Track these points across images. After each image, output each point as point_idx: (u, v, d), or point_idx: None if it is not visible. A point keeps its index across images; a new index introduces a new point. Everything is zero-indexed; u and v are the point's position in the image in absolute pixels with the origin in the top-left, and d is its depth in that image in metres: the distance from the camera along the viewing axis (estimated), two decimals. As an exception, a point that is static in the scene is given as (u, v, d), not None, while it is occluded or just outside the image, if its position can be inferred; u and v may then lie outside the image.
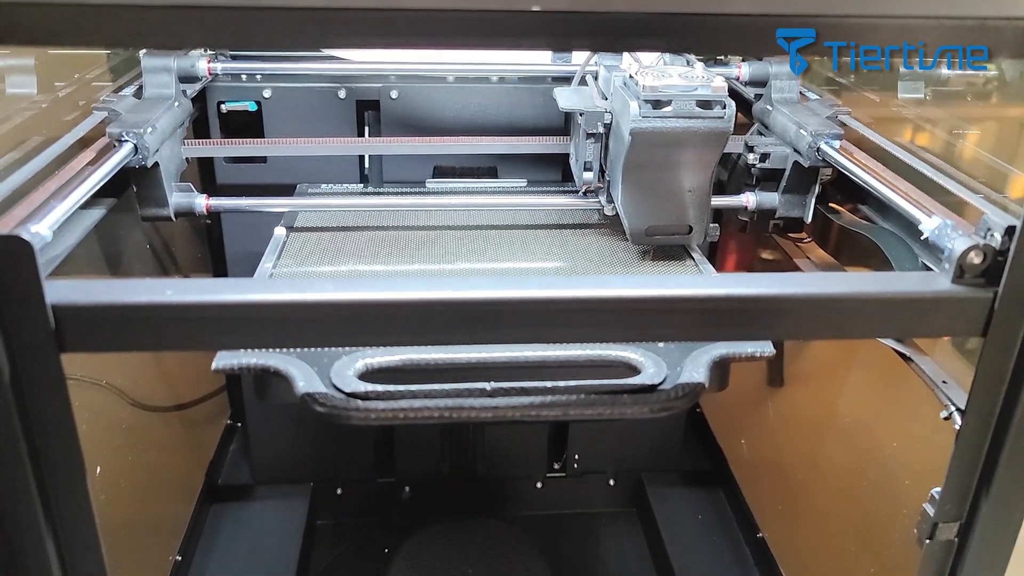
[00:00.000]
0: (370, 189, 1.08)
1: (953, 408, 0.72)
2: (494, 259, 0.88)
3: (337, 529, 1.33)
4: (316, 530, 1.32)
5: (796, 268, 0.97)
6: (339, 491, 1.31)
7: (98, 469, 0.87)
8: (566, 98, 0.90)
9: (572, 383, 0.62)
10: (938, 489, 0.69)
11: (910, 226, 0.73)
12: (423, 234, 0.94)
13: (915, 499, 0.81)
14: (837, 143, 0.83)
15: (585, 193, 0.94)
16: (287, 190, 1.09)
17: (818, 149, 0.84)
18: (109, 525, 0.91)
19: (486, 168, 1.10)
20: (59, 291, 0.53)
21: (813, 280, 0.59)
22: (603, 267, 0.87)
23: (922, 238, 0.66)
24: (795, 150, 0.88)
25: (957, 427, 0.72)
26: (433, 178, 1.10)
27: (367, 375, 0.65)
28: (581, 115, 0.88)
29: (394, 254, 0.89)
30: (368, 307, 0.56)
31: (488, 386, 0.61)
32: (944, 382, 0.74)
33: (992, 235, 0.60)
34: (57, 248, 0.70)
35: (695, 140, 0.79)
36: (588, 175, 0.90)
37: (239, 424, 1.40)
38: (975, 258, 0.59)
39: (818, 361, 1.06)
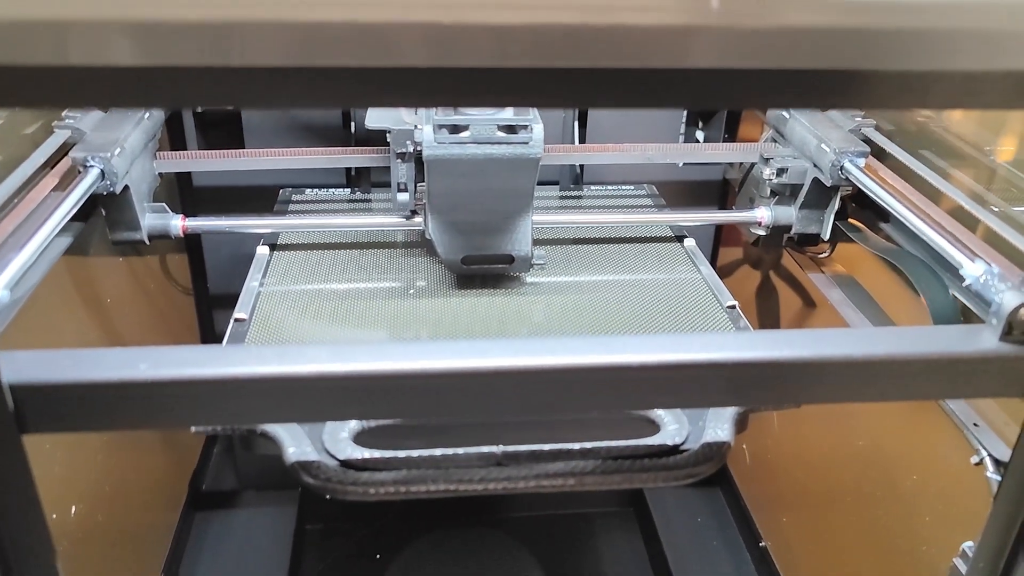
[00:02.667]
0: (357, 195, 1.02)
1: (985, 454, 0.68)
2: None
3: (327, 534, 1.29)
4: (306, 535, 1.28)
5: (809, 284, 0.92)
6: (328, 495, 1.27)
7: (73, 509, 0.82)
8: (375, 115, 0.83)
9: (588, 445, 0.57)
10: (970, 544, 0.65)
11: (937, 254, 0.69)
12: (413, 252, 0.88)
13: (936, 535, 0.78)
14: (862, 161, 0.78)
15: (413, 213, 0.87)
16: (269, 193, 1.02)
17: (841, 167, 0.78)
18: (89, 540, 0.87)
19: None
20: (18, 368, 0.47)
21: (849, 341, 0.54)
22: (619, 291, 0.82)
23: (964, 284, 0.61)
24: (815, 165, 0.82)
25: (989, 473, 0.69)
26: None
27: (363, 435, 0.59)
28: (389, 134, 0.81)
29: (383, 274, 0.84)
30: (365, 380, 0.50)
31: (498, 450, 0.57)
32: (975, 424, 0.70)
33: (1042, 286, 0.55)
34: (17, 292, 0.64)
35: (500, 167, 0.73)
36: (403, 197, 0.84)
37: (223, 427, 1.35)
38: (1026, 314, 0.54)
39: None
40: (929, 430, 0.77)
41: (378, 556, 1.24)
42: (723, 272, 1.20)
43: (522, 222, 0.78)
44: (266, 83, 0.41)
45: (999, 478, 0.67)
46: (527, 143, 0.72)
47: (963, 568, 0.65)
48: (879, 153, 0.83)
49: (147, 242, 0.80)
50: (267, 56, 0.40)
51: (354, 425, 0.61)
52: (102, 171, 0.71)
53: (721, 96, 0.44)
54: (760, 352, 0.53)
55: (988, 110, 0.77)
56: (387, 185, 1.04)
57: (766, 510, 1.17)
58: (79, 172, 0.71)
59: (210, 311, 1.21)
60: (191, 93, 0.42)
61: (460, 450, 0.57)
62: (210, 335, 1.23)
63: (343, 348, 0.51)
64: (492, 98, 0.42)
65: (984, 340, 0.55)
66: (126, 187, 0.75)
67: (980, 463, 0.69)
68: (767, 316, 1.10)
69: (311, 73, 0.41)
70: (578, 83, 0.42)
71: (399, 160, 0.80)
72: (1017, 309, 0.54)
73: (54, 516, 0.79)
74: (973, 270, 0.60)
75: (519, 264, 0.80)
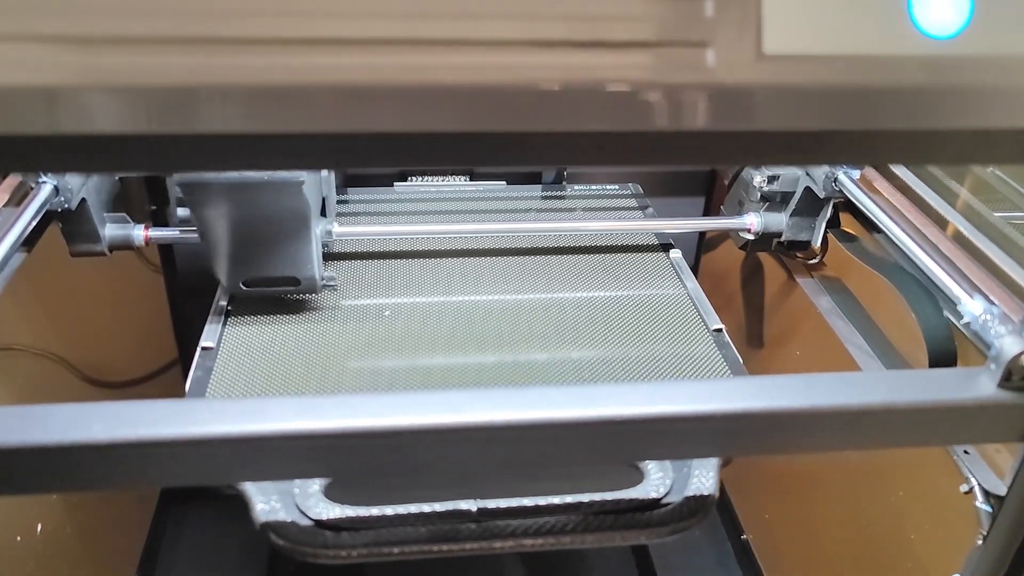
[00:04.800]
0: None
1: (975, 483, 0.66)
2: (461, 291, 0.81)
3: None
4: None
5: (797, 289, 0.90)
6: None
7: (39, 527, 0.79)
8: None
9: (567, 499, 0.55)
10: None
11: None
12: (391, 263, 0.85)
13: (921, 554, 0.77)
14: (856, 173, 0.75)
15: None
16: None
17: (835, 179, 0.75)
18: (59, 555, 0.85)
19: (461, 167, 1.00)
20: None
21: (843, 388, 0.52)
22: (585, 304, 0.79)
23: (962, 322, 0.59)
24: (807, 174, 0.79)
25: (978, 503, 0.67)
26: (401, 179, 0.99)
27: (333, 487, 0.57)
28: None
29: (359, 289, 0.81)
30: (334, 438, 0.48)
31: (473, 507, 0.54)
32: (966, 452, 0.68)
33: (1043, 329, 0.53)
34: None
35: (258, 192, 0.68)
36: (183, 211, 0.78)
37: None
38: (1026, 360, 0.52)
39: (811, 360, 1.00)
40: (918, 451, 0.75)
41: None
42: (707, 267, 1.17)
43: (303, 244, 0.72)
44: (230, 149, 0.37)
45: (988, 509, 0.66)
46: None
47: (951, 600, 0.64)
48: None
49: (107, 253, 0.76)
50: (230, 122, 0.36)
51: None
52: (55, 187, 0.67)
53: (707, 156, 0.41)
54: (749, 403, 0.50)
55: (990, 165, 0.73)
56: (366, 178, 1.00)
57: (749, 504, 1.16)
58: (31, 188, 0.67)
59: (183, 299, 1.17)
60: (147, 160, 0.38)
61: (436, 506, 0.54)
62: (183, 326, 1.19)
63: (310, 403, 0.48)
64: (463, 161, 0.39)
65: (982, 386, 0.53)
66: (83, 200, 0.71)
67: (969, 492, 0.67)
68: (752, 323, 1.07)
69: (277, 139, 0.37)
70: (558, 146, 0.39)
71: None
72: (1018, 356, 0.52)
73: (18, 538, 0.76)
74: (972, 308, 0.58)
75: (306, 286, 0.75)
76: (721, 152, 0.40)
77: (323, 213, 0.80)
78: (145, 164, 0.37)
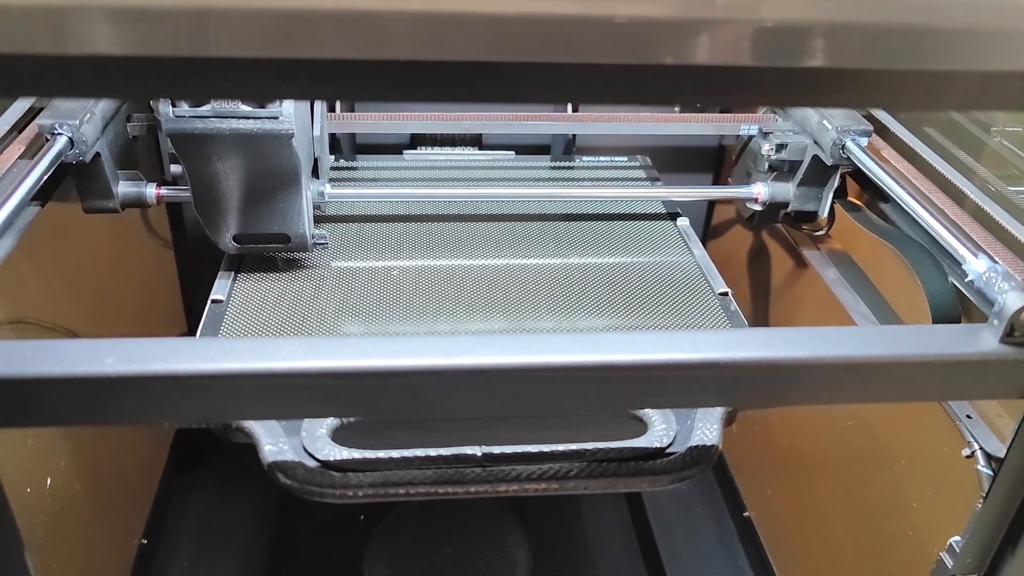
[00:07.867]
0: (342, 162, 0.98)
1: (977, 447, 0.67)
2: (469, 255, 0.82)
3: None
4: (291, 495, 1.27)
5: (804, 261, 0.90)
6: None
7: (48, 481, 0.80)
8: None
9: (572, 446, 0.55)
10: (957, 539, 0.64)
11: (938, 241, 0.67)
12: (401, 226, 0.86)
13: (922, 522, 0.78)
14: (864, 140, 0.75)
15: None
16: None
17: (843, 146, 0.75)
18: (68, 511, 0.86)
19: (469, 136, 1.00)
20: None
21: (847, 341, 0.52)
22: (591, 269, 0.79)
23: (967, 280, 0.59)
24: (815, 142, 0.79)
25: (979, 466, 0.68)
26: (411, 148, 1.00)
27: (341, 431, 0.57)
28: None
29: (364, 250, 0.82)
30: (343, 377, 0.48)
31: (479, 451, 0.55)
32: (968, 416, 0.68)
33: (1045, 285, 0.53)
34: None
35: (249, 144, 0.68)
36: (176, 168, 0.78)
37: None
38: (1029, 315, 0.52)
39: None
40: (920, 417, 0.75)
41: (362, 517, 1.24)
42: (715, 241, 1.18)
43: (293, 200, 0.72)
44: (247, 74, 0.38)
45: (990, 472, 0.66)
46: (276, 118, 0.66)
47: (949, 563, 0.64)
48: (881, 129, 0.80)
49: (120, 210, 0.77)
50: (248, 47, 0.37)
51: (332, 420, 0.58)
52: (70, 139, 0.68)
53: (723, 94, 0.41)
54: (754, 352, 0.51)
55: (1003, 111, 0.74)
56: (375, 148, 1.01)
57: (752, 481, 1.17)
58: (46, 140, 0.68)
59: (192, 264, 1.18)
60: (166, 85, 0.38)
61: (441, 450, 0.55)
62: (191, 292, 1.20)
63: (320, 343, 0.49)
64: (484, 94, 0.39)
65: (984, 341, 0.53)
66: (97, 154, 0.72)
67: (971, 456, 0.67)
68: (759, 294, 1.08)
69: (293, 64, 0.37)
70: (576, 79, 0.39)
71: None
72: (1020, 311, 0.52)
73: (28, 490, 0.77)
74: (977, 266, 0.58)
75: (296, 244, 0.75)
76: (731, 89, 0.40)
77: (316, 175, 0.80)
78: (155, 88, 0.37)
